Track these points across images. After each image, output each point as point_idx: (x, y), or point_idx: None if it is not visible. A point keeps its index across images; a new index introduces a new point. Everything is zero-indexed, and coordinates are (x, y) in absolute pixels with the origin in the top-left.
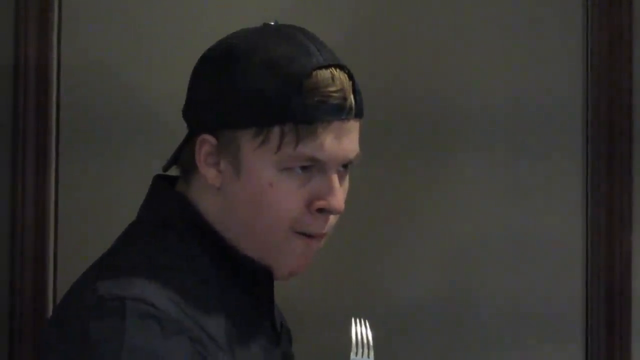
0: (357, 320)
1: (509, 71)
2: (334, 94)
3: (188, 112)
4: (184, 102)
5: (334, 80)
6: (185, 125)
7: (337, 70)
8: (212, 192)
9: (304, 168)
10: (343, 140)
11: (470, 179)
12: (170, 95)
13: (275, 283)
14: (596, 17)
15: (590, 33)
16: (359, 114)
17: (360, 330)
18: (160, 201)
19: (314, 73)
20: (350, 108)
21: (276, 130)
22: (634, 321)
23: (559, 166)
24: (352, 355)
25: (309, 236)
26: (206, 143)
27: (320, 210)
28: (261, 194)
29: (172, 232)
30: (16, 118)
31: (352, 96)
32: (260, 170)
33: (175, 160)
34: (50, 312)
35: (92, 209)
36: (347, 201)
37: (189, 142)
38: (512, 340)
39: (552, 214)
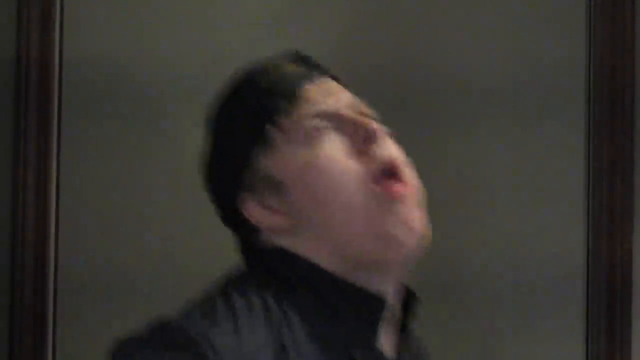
0: None
1: (509, 70)
2: (286, 70)
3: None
4: (186, 99)
5: (270, 69)
6: (191, 122)
7: (270, 68)
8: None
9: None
10: (334, 97)
11: (470, 178)
12: (173, 92)
13: None
14: (599, 17)
15: (593, 33)
16: (324, 73)
17: None
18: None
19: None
20: (307, 73)
21: (275, 129)
22: (634, 321)
23: (560, 165)
24: None
25: (387, 178)
26: (247, 200)
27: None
28: (312, 179)
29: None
30: (18, 116)
31: (297, 64)
32: (290, 162)
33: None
34: (50, 312)
35: (94, 208)
36: None
37: (231, 217)
38: (512, 339)
39: (554, 214)
